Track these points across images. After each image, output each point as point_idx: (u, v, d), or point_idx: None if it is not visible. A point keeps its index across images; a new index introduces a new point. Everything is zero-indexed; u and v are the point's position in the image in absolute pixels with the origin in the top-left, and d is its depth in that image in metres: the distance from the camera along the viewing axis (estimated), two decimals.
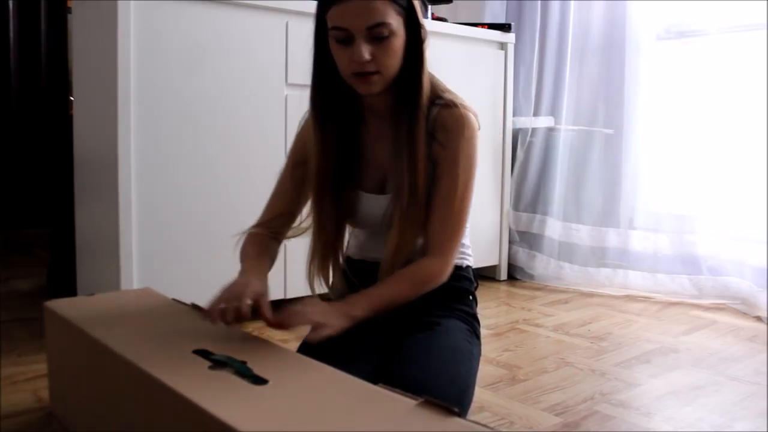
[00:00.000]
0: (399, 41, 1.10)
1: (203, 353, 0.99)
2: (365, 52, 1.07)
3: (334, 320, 1.04)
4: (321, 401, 0.84)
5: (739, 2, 2.34)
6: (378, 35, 1.07)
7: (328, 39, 1.11)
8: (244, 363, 0.95)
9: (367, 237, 1.30)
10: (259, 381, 0.89)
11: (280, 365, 0.95)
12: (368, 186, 1.24)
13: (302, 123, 1.28)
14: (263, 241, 1.25)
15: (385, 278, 1.16)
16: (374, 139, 1.23)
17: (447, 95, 1.18)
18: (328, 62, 1.14)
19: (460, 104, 1.18)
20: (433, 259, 1.17)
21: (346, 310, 1.07)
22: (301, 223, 1.27)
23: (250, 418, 0.77)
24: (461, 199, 1.17)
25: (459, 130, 1.16)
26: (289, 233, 1.28)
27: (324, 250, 1.23)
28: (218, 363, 0.95)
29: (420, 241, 1.19)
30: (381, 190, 1.23)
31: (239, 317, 1.02)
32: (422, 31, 1.13)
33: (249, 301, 1.02)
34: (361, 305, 1.09)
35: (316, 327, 1.02)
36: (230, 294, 1.04)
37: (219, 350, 1.00)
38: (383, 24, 1.07)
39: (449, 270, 1.18)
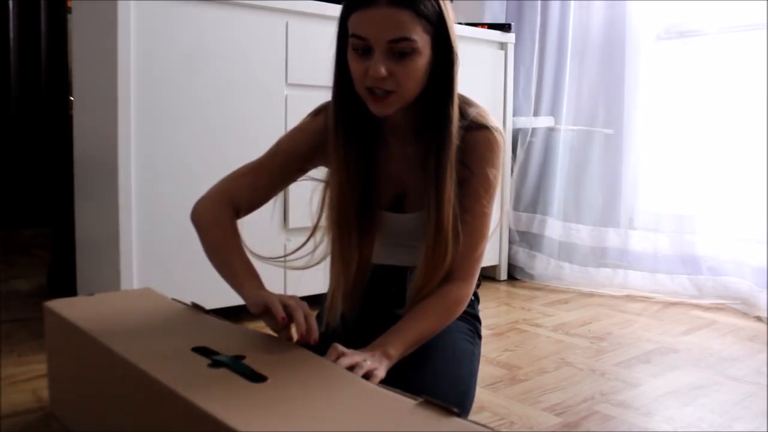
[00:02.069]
0: (422, 61, 1.03)
1: (203, 351, 0.99)
2: (382, 67, 1.00)
3: (379, 369, 0.98)
4: (320, 400, 0.84)
5: (739, 2, 2.34)
6: (400, 51, 1.00)
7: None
8: (243, 360, 0.95)
9: (380, 244, 1.22)
10: (259, 378, 0.89)
11: (279, 361, 0.96)
12: (382, 203, 1.19)
13: (312, 118, 1.20)
14: (239, 238, 1.17)
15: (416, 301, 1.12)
16: (392, 156, 1.18)
17: (472, 111, 1.14)
18: (348, 73, 1.06)
19: (492, 126, 1.13)
20: (459, 283, 1.13)
21: (382, 353, 1.01)
22: (315, 250, 1.19)
23: (249, 417, 0.77)
24: (485, 224, 1.15)
25: (489, 156, 1.13)
26: (300, 263, 1.20)
27: (354, 279, 1.15)
28: (217, 361, 0.95)
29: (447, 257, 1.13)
30: (397, 207, 1.19)
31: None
32: (453, 54, 1.05)
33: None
34: (394, 346, 1.03)
35: (364, 368, 0.96)
36: (297, 306, 1.01)
37: (218, 347, 1.00)
38: (407, 39, 0.99)
39: (472, 292, 1.16)
